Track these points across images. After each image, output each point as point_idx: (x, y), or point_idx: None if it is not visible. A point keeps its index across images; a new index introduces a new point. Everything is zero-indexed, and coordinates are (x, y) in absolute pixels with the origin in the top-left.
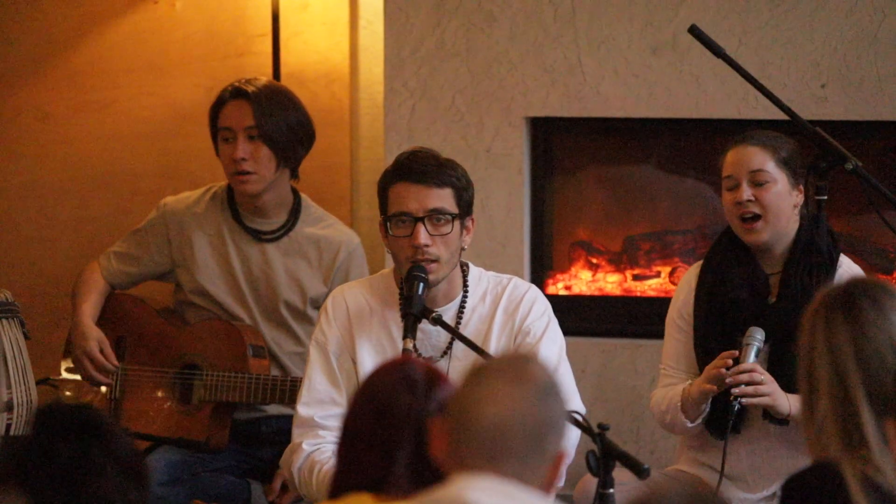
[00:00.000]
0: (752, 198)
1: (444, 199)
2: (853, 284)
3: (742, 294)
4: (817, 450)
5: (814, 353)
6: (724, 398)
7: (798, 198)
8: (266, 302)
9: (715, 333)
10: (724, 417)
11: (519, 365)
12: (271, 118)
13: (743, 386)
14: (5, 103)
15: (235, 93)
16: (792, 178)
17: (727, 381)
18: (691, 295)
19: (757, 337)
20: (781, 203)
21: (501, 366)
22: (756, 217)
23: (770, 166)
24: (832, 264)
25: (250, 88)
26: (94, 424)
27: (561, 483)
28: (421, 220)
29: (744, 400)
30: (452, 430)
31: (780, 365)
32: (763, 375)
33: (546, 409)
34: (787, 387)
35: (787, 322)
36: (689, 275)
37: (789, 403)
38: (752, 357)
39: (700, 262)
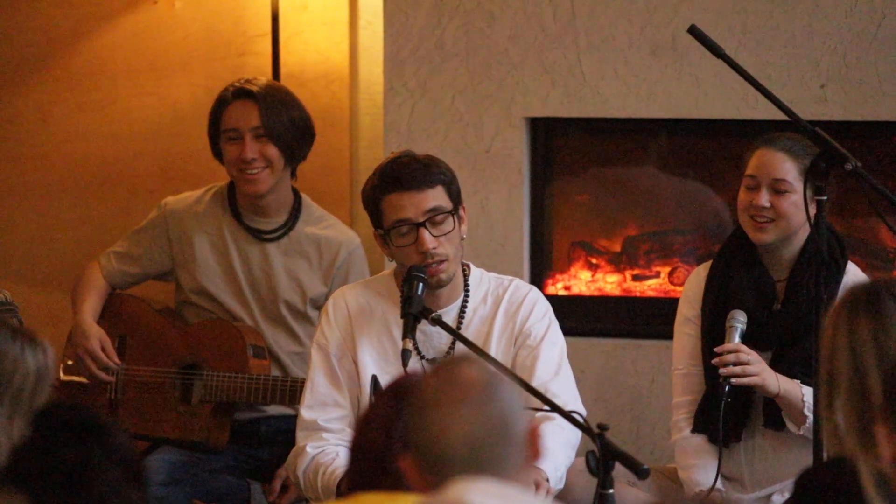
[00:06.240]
0: (769, 204)
1: (437, 197)
2: (878, 283)
3: (748, 300)
4: (834, 446)
5: (835, 351)
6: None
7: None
8: (266, 301)
9: (717, 337)
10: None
11: (454, 378)
12: (277, 117)
13: (731, 366)
14: (5, 103)
15: (239, 93)
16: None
17: (713, 361)
18: (700, 293)
19: (739, 319)
20: (797, 213)
21: (440, 388)
22: (769, 220)
23: (793, 176)
24: (839, 271)
25: (254, 88)
26: (93, 424)
27: (561, 485)
28: (422, 224)
29: (733, 380)
30: (428, 464)
31: (782, 372)
32: (749, 355)
33: (499, 401)
34: None
35: (791, 329)
36: (699, 274)
37: (778, 383)
38: (736, 338)
39: (709, 263)
